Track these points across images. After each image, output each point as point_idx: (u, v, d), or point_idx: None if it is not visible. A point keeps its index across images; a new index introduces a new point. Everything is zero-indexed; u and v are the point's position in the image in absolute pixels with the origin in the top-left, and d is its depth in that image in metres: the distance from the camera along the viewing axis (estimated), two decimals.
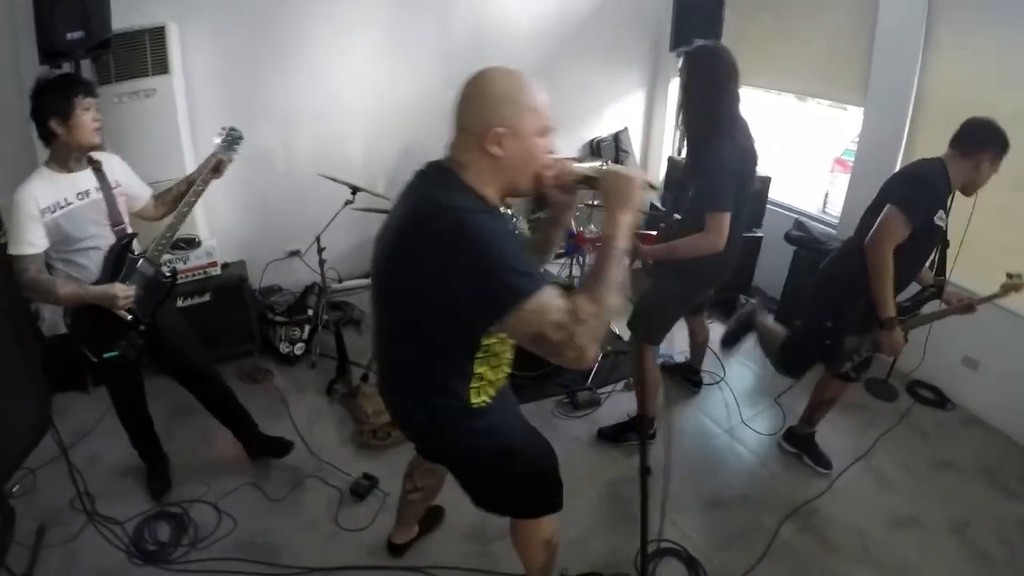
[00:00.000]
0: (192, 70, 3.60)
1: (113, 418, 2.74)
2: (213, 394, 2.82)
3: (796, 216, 4.26)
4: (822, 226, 4.26)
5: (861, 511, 2.83)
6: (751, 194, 2.72)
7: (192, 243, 3.49)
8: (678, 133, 2.84)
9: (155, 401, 2.81)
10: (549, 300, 1.29)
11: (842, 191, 4.30)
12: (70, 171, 2.25)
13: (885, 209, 2.51)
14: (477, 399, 1.63)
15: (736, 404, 3.56)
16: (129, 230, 2.42)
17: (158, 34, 3.35)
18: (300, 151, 4.15)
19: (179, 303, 3.29)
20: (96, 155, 2.34)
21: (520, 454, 1.77)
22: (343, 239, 4.11)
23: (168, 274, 2.53)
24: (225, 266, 3.63)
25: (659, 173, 5.46)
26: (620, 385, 3.62)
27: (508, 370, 1.74)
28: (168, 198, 2.60)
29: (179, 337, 2.67)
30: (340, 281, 4.16)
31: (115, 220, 2.35)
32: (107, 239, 2.33)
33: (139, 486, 2.82)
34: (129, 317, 2.35)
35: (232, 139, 2.57)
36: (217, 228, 3.78)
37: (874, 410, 3.51)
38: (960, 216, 2.74)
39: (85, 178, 2.29)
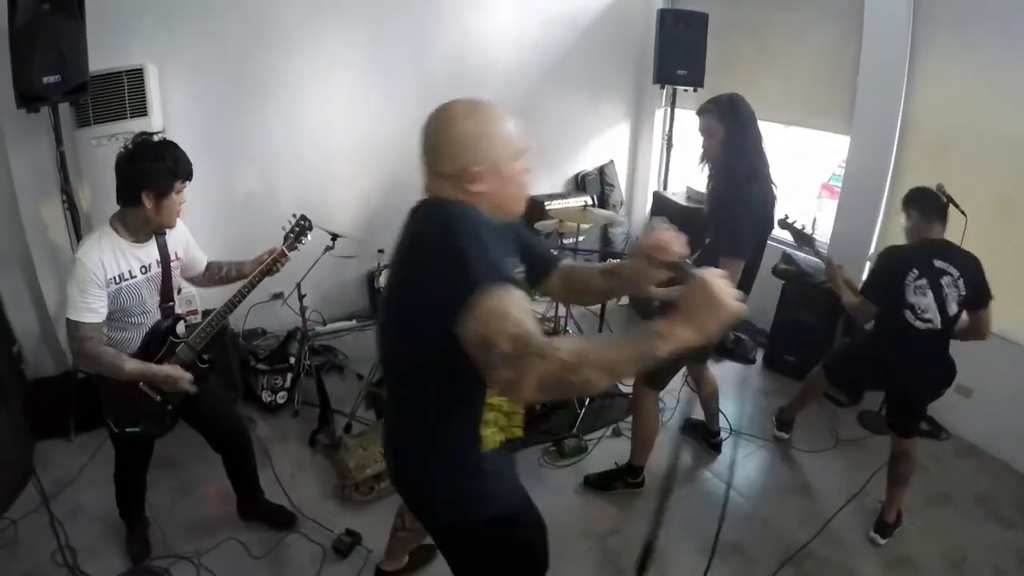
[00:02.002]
0: (171, 112, 3.57)
1: (96, 467, 2.70)
2: (239, 462, 2.75)
3: (783, 249, 4.24)
4: (811, 257, 4.23)
5: (855, 554, 2.77)
6: (765, 239, 2.74)
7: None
8: (709, 183, 2.78)
9: None
10: (514, 309, 1.16)
11: (830, 217, 4.29)
12: (137, 241, 2.17)
13: None
14: (482, 446, 1.50)
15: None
16: (178, 309, 2.37)
17: (136, 76, 3.32)
18: (281, 192, 4.12)
19: None
20: None
21: (513, 528, 1.65)
22: (328, 280, 4.08)
23: (207, 359, 2.43)
24: (206, 313, 3.54)
25: (644, 206, 5.46)
26: (608, 431, 3.55)
27: (516, 432, 1.62)
28: (216, 275, 2.56)
29: (217, 400, 2.62)
30: (324, 324, 4.11)
31: (166, 296, 2.29)
32: (155, 316, 2.28)
33: (121, 542, 2.72)
34: (158, 398, 2.29)
35: (302, 229, 2.54)
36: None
37: (867, 444, 3.46)
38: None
39: (150, 250, 2.22)
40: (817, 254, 3.06)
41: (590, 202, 4.84)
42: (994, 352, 3.24)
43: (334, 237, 3.36)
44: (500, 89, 4.65)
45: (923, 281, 2.60)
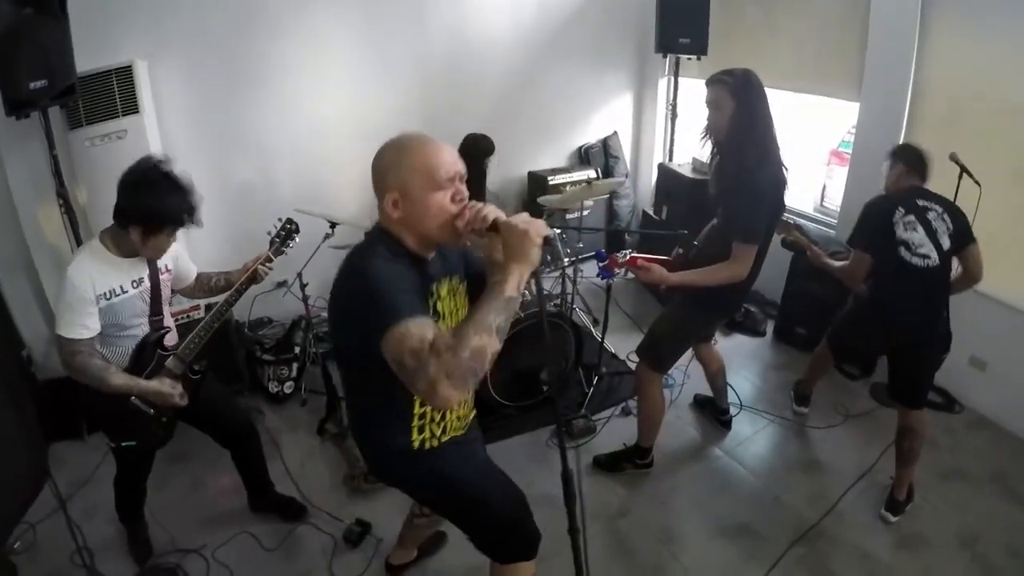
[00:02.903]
0: (164, 107, 3.54)
1: (110, 466, 2.70)
2: (247, 456, 2.76)
3: (792, 220, 4.14)
4: (820, 227, 4.15)
5: (867, 532, 2.75)
6: (776, 221, 2.69)
7: None
8: (713, 158, 2.71)
9: None
10: (412, 328, 1.34)
11: (840, 185, 4.18)
12: (126, 256, 2.16)
13: None
14: (419, 436, 1.73)
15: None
16: (167, 322, 2.36)
17: (125, 73, 3.28)
18: (279, 180, 4.09)
19: None
20: None
21: (476, 492, 1.84)
22: (332, 266, 4.02)
23: (198, 370, 2.41)
24: (209, 307, 3.55)
25: (650, 178, 5.36)
26: (617, 411, 3.54)
27: (464, 411, 1.86)
28: (206, 285, 2.57)
29: (221, 401, 2.63)
30: None
31: (155, 310, 2.28)
32: (144, 329, 2.27)
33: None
34: (152, 411, 2.30)
35: (287, 233, 2.52)
36: (200, 266, 3.70)
37: (879, 418, 3.41)
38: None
39: (140, 265, 2.21)
40: (796, 242, 3.11)
41: (593, 176, 4.76)
42: (1009, 324, 3.20)
43: (333, 225, 3.33)
44: (499, 64, 4.56)
45: (911, 217, 2.59)
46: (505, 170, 4.61)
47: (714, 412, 3.47)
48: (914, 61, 3.46)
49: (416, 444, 1.74)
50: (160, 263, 2.27)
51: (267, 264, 2.45)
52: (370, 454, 1.87)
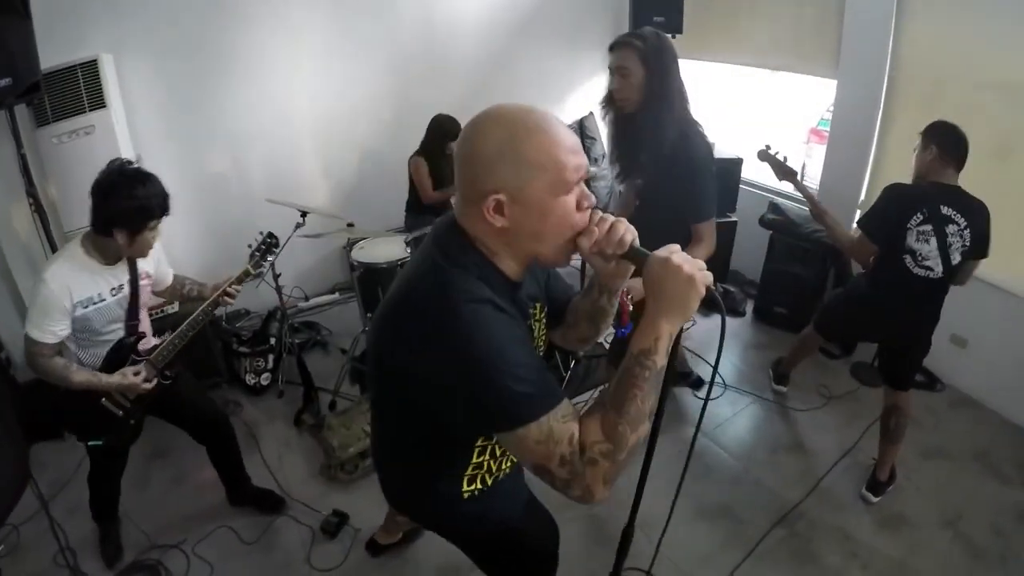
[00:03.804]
0: (132, 100, 3.48)
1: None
2: (222, 450, 2.76)
3: (771, 198, 4.11)
4: (800, 206, 4.11)
5: (848, 512, 2.75)
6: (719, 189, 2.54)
7: None
8: (619, 133, 2.44)
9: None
10: (555, 427, 1.06)
11: (819, 162, 4.15)
12: (107, 263, 2.14)
13: None
14: (470, 487, 1.42)
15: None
16: (142, 327, 2.33)
17: (91, 68, 3.23)
18: (251, 170, 4.05)
19: None
20: None
21: (516, 536, 1.62)
22: (308, 255, 4.05)
23: (169, 376, 2.39)
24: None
25: None
26: (596, 393, 3.52)
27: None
28: (179, 291, 2.54)
29: (192, 396, 2.62)
30: (307, 299, 4.08)
31: (132, 315, 2.26)
32: (119, 333, 2.25)
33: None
34: (120, 413, 2.29)
35: (267, 247, 2.50)
36: (174, 259, 3.64)
37: (860, 398, 3.42)
38: None
39: (120, 271, 2.19)
40: (801, 188, 2.84)
41: None
42: (989, 302, 3.18)
43: (304, 214, 3.30)
44: (471, 46, 4.51)
45: (927, 227, 2.45)
46: None
47: (680, 380, 3.51)
48: (891, 38, 3.42)
49: (467, 495, 1.42)
50: (141, 269, 2.25)
51: (236, 287, 2.40)
52: (404, 496, 1.55)
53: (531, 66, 4.77)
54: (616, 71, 2.28)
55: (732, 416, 3.37)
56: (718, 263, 4.23)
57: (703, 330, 4.12)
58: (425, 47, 4.31)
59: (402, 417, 1.32)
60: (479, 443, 1.35)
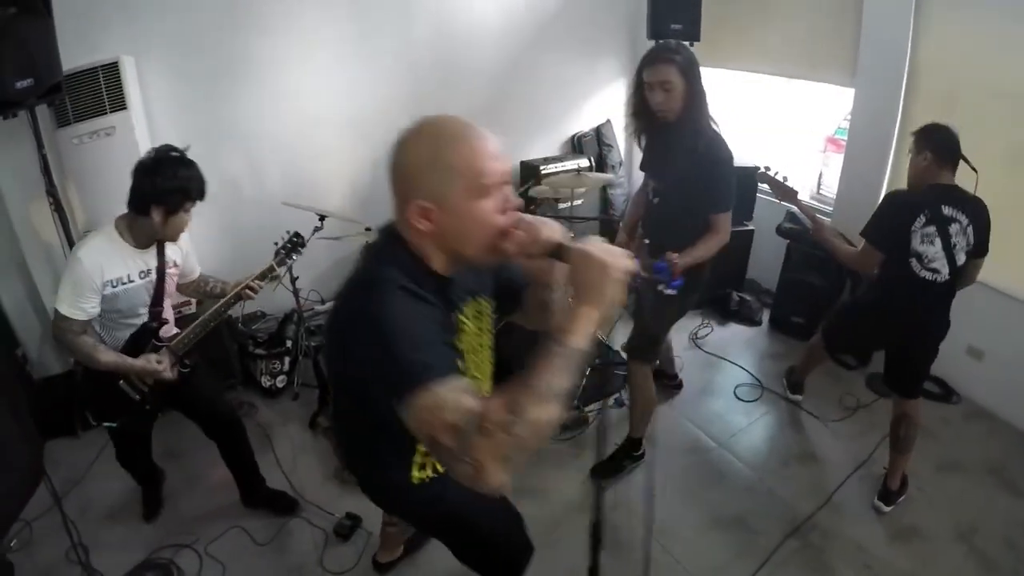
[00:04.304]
0: (152, 102, 3.51)
1: (104, 464, 2.79)
2: (234, 449, 2.79)
3: (787, 207, 4.09)
4: (817, 215, 4.10)
5: (861, 524, 2.73)
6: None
7: None
8: (652, 141, 2.77)
9: None
10: (446, 396, 1.07)
11: (836, 171, 4.13)
12: (139, 246, 2.24)
13: None
14: (421, 474, 1.54)
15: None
16: (166, 314, 2.41)
17: (111, 70, 3.25)
18: (269, 172, 4.06)
19: None
20: None
21: (475, 527, 1.71)
22: (323, 258, 4.04)
23: (188, 364, 2.47)
24: (200, 302, 3.56)
25: None
26: (611, 401, 3.51)
27: None
28: (203, 288, 2.62)
29: (208, 390, 2.67)
30: (323, 303, 4.09)
31: (156, 301, 2.34)
32: (144, 318, 2.33)
33: (130, 535, 2.81)
34: (137, 397, 2.36)
35: (293, 246, 2.56)
36: None
37: (875, 409, 3.39)
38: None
39: (150, 256, 2.29)
40: (801, 207, 2.93)
41: (585, 165, 4.71)
42: (1006, 313, 3.16)
43: (322, 218, 3.31)
44: (489, 52, 4.51)
45: (931, 228, 2.46)
46: None
47: (664, 379, 3.51)
48: (909, 46, 3.40)
49: (416, 481, 1.53)
50: (170, 257, 2.35)
51: (260, 282, 2.49)
52: (362, 480, 1.67)
53: (548, 73, 4.77)
54: (659, 86, 2.44)
55: (747, 426, 3.36)
56: (734, 271, 4.25)
57: (718, 338, 4.13)
58: (442, 52, 4.31)
59: (351, 410, 1.46)
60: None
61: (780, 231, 3.95)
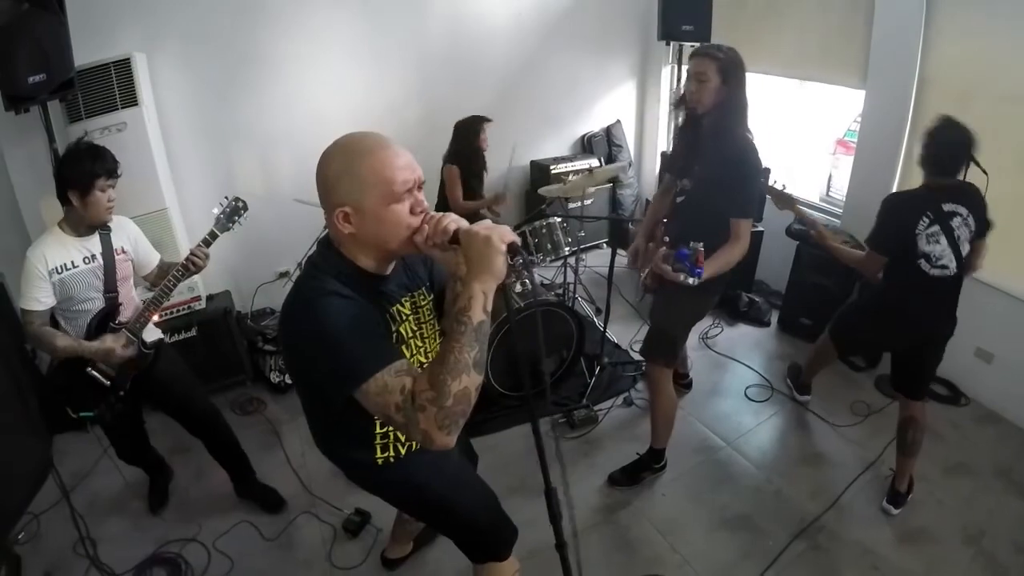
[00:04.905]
0: (163, 99, 3.53)
1: (111, 457, 2.83)
2: (215, 443, 2.84)
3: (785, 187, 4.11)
4: (826, 217, 4.10)
5: (869, 527, 2.72)
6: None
7: None
8: (686, 132, 2.74)
9: (153, 438, 2.91)
10: (389, 381, 1.28)
11: (846, 174, 4.13)
12: (80, 235, 2.37)
13: None
14: (383, 454, 1.67)
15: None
16: (123, 300, 2.49)
17: (124, 66, 3.28)
18: (280, 170, 4.08)
19: (167, 339, 3.25)
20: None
21: (442, 502, 1.81)
22: None
23: (150, 345, 2.55)
24: (210, 298, 3.60)
25: (654, 166, 5.31)
26: (619, 400, 3.52)
27: None
28: (166, 274, 2.59)
29: (181, 384, 2.72)
30: None
31: (109, 287, 2.43)
32: (99, 304, 2.42)
33: (137, 529, 2.83)
34: (108, 383, 2.44)
35: (234, 210, 2.55)
36: None
37: (884, 411, 3.37)
38: None
39: (93, 243, 2.40)
40: (801, 214, 2.91)
41: (595, 165, 4.72)
42: (1015, 316, 3.14)
43: None
44: (500, 53, 4.53)
45: (935, 228, 2.46)
46: (507, 159, 4.59)
47: (675, 378, 3.40)
48: (920, 48, 3.40)
49: (380, 461, 1.68)
50: (116, 244, 2.45)
51: (205, 250, 2.49)
52: (336, 462, 1.79)
53: (559, 73, 4.79)
54: (694, 76, 2.52)
55: (756, 426, 3.36)
56: (744, 272, 4.24)
57: (727, 338, 4.13)
58: (453, 51, 4.33)
59: (310, 404, 1.61)
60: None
61: (790, 232, 3.95)
